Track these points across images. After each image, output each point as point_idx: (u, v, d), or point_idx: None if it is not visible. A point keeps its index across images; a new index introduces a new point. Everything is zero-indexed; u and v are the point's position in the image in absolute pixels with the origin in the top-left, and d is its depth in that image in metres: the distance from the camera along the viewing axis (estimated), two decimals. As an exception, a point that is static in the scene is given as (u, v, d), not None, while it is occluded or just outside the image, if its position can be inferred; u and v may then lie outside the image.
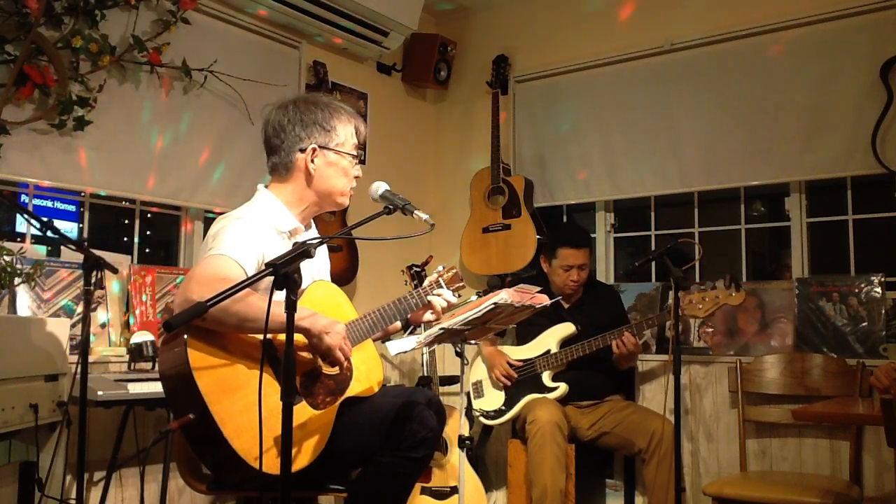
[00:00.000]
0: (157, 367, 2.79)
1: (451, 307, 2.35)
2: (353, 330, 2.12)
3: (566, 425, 3.22)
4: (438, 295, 2.31)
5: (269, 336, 1.88)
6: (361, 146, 2.25)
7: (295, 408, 1.92)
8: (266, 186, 2.21)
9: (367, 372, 2.16)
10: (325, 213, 2.35)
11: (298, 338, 1.94)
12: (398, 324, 2.38)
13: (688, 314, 3.17)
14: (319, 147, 2.14)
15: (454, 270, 2.41)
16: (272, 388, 1.88)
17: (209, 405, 1.80)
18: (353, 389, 2.10)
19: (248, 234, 1.99)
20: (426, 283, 2.36)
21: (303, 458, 1.94)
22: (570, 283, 3.48)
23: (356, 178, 2.23)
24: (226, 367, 1.87)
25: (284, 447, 1.60)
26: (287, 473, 1.60)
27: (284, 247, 2.00)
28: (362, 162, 2.27)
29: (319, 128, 2.14)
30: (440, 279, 2.36)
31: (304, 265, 2.10)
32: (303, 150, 2.14)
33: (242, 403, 1.83)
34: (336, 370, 2.06)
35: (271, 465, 1.78)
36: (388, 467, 2.04)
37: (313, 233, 2.27)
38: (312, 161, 2.14)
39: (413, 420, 2.03)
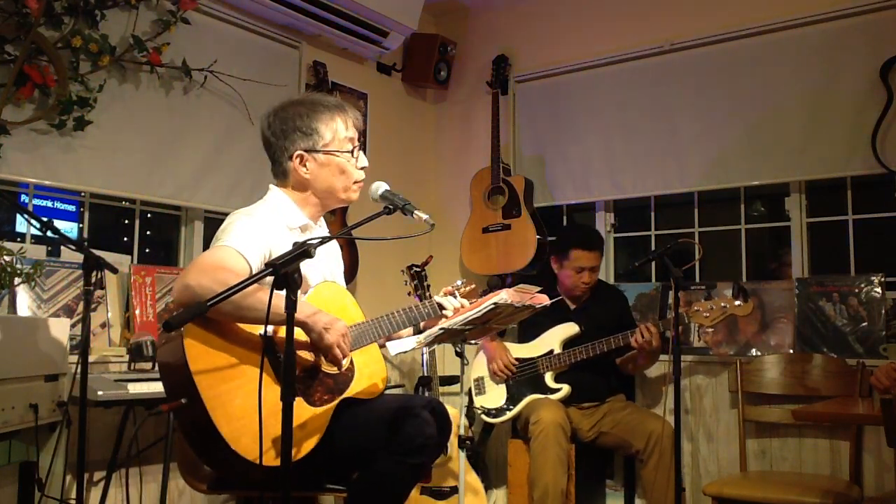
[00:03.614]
0: (157, 367, 2.80)
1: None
2: (359, 333, 2.10)
3: (568, 426, 3.22)
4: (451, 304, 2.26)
5: (269, 331, 1.89)
6: (361, 133, 2.21)
7: None
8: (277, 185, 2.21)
9: (370, 374, 2.14)
10: (327, 210, 2.32)
11: (299, 334, 1.93)
12: (409, 329, 2.34)
13: (694, 322, 3.15)
14: (306, 152, 2.12)
15: (473, 286, 2.37)
16: (267, 383, 1.86)
17: (201, 391, 1.79)
18: (354, 390, 2.09)
19: (255, 228, 2.01)
20: (441, 292, 2.31)
21: (294, 452, 1.93)
22: (582, 285, 3.44)
23: (363, 168, 2.20)
24: (222, 357, 1.87)
25: (285, 447, 1.60)
26: (287, 470, 1.60)
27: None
28: (362, 150, 2.22)
29: (300, 133, 2.12)
30: (455, 291, 2.31)
31: (316, 266, 2.06)
32: (291, 158, 2.13)
33: (236, 393, 1.83)
34: (336, 369, 2.06)
35: (263, 457, 1.77)
36: (384, 471, 2.01)
37: (324, 229, 2.26)
38: (304, 166, 2.13)
39: (410, 423, 2.00)
